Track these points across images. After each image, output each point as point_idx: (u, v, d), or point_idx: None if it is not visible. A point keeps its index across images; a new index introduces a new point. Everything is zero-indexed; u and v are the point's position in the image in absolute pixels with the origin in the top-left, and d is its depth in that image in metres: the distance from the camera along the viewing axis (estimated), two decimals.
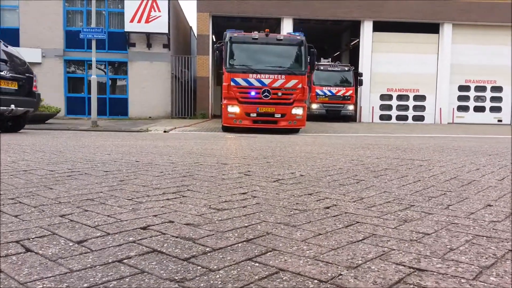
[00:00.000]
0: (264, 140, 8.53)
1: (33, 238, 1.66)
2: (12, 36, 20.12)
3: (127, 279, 1.25)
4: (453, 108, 22.79)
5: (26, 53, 19.95)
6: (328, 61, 22.37)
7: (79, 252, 1.49)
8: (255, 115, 11.56)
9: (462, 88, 22.75)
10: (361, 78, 21.29)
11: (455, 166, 4.21)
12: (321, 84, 20.47)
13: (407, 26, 21.93)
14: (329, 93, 20.51)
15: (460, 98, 22.81)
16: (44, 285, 1.20)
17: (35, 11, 20.19)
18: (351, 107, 20.79)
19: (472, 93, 22.85)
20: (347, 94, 20.62)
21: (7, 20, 20.64)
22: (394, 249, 1.56)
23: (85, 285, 1.21)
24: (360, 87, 21.88)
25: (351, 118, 21.30)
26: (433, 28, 22.30)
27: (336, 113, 20.44)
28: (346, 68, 21.22)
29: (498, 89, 22.70)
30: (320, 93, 20.38)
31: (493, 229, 1.87)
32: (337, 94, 20.54)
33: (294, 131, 12.29)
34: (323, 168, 3.90)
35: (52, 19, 20.35)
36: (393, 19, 21.67)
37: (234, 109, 11.51)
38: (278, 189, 2.80)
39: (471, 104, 22.93)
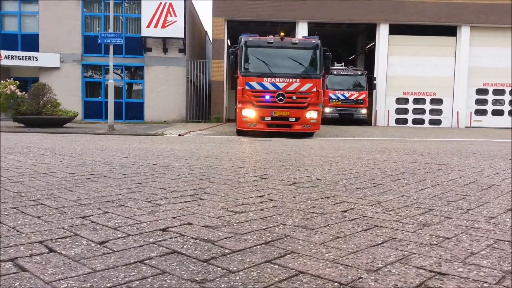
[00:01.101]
0: (279, 143, 8.52)
1: (56, 238, 1.69)
2: (32, 42, 20.56)
3: (149, 279, 1.27)
4: (471, 112, 22.41)
5: (45, 58, 20.39)
6: (341, 66, 22.37)
7: (101, 253, 1.51)
8: (269, 119, 11.56)
9: (479, 91, 22.37)
10: (374, 82, 21.34)
11: (474, 170, 4.15)
12: (334, 88, 20.65)
13: (424, 28, 21.69)
14: (342, 97, 20.79)
15: (477, 102, 22.43)
16: (69, 285, 1.23)
17: (54, 16, 20.59)
18: (364, 111, 20.98)
19: (490, 97, 22.44)
20: (360, 98, 20.83)
21: (27, 26, 21.09)
22: (414, 253, 1.55)
23: (108, 284, 1.23)
24: (376, 90, 21.78)
25: (364, 121, 21.44)
26: (450, 31, 21.99)
27: (349, 117, 20.70)
28: (359, 72, 21.47)
29: None
30: (333, 97, 20.61)
31: None
32: (350, 98, 20.80)
33: (308, 134, 12.24)
34: (339, 172, 3.88)
35: (70, 25, 20.72)
36: (409, 22, 21.45)
37: (248, 112, 11.52)
38: (295, 192, 2.80)
39: (489, 107, 22.52)
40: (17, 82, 15.13)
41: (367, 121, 21.61)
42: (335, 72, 20.80)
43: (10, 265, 1.38)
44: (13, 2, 20.67)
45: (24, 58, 20.04)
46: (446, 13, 21.27)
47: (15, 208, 2.23)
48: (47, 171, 3.65)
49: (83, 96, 21.28)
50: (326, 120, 19.24)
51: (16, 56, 19.87)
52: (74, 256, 1.48)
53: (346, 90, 20.78)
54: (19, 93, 14.71)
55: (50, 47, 20.64)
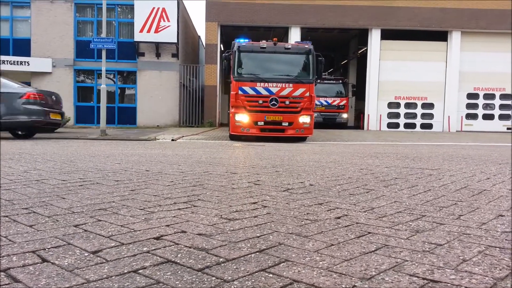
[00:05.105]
0: (272, 148, 8.54)
1: (49, 248, 1.68)
2: (23, 46, 20.44)
3: None
4: (462, 116, 22.65)
5: (37, 62, 20.27)
6: (325, 75, 23.41)
7: (95, 262, 1.51)
8: (262, 123, 11.59)
9: (470, 95, 22.63)
10: (353, 89, 24.72)
11: (465, 175, 4.19)
12: (318, 95, 21.65)
13: (415, 34, 21.93)
14: (325, 103, 22.98)
15: (468, 106, 22.68)
16: None
17: (46, 21, 20.51)
18: (345, 115, 23.44)
19: (480, 101, 22.71)
20: (341, 103, 23.22)
21: (19, 30, 20.98)
22: (407, 260, 1.56)
23: None
24: (368, 95, 22.36)
25: (345, 125, 23.52)
26: (441, 36, 22.24)
27: (332, 121, 22.85)
28: (340, 81, 24.39)
29: (507, 96, 22.51)
30: (317, 103, 22.39)
31: (505, 239, 1.86)
32: (333, 104, 23.12)
33: (301, 139, 12.28)
34: (332, 178, 3.90)
35: (63, 29, 20.65)
36: (401, 27, 21.68)
37: (241, 117, 11.55)
38: (288, 199, 2.81)
39: (480, 112, 22.77)
40: None
41: (347, 125, 23.82)
42: (319, 81, 21.75)
43: (2, 276, 1.37)
44: (5, 7, 20.56)
45: (15, 63, 19.91)
46: (437, 18, 21.53)
47: (7, 216, 2.22)
48: (39, 178, 3.62)
49: (75, 101, 21.17)
50: None
51: (7, 60, 19.74)
52: (68, 266, 1.47)
53: (329, 96, 23.03)
54: None
55: (42, 52, 20.54)
